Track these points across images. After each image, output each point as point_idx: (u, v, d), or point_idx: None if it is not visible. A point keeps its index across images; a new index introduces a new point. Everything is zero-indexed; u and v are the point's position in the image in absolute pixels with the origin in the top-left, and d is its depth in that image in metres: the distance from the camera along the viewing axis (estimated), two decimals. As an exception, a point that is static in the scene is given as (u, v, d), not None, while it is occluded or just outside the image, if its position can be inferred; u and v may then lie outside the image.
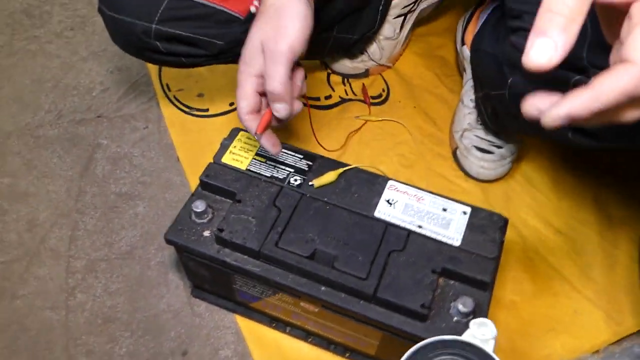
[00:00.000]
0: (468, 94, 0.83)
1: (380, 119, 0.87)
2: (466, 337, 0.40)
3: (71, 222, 0.77)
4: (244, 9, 0.65)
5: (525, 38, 0.27)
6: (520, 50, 0.28)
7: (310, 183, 0.58)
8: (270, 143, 0.55)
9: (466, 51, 0.85)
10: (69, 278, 0.72)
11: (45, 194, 0.80)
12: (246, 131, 0.63)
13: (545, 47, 0.27)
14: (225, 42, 0.67)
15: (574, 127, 0.49)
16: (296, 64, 0.53)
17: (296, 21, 0.50)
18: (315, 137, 0.78)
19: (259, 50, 0.51)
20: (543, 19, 0.27)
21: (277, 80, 0.50)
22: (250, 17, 0.63)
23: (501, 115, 0.70)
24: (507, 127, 0.75)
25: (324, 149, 0.80)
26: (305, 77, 0.56)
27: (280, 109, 0.52)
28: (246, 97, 0.53)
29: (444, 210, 0.56)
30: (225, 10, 0.65)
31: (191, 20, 0.64)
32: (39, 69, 0.97)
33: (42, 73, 0.97)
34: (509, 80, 0.57)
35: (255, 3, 0.56)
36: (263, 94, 0.54)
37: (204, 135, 0.84)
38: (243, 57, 0.53)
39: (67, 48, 1.01)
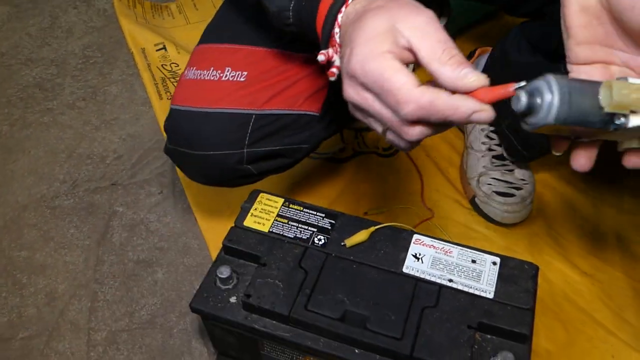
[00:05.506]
0: (478, 138, 0.84)
1: (385, 214, 0.80)
2: None
3: (90, 293, 0.76)
4: (317, 107, 0.67)
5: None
6: None
7: (342, 243, 0.57)
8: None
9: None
10: (90, 351, 0.70)
11: (63, 265, 0.79)
12: (266, 192, 0.63)
13: None
14: (310, 144, 0.69)
15: None
16: None
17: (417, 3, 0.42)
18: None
19: (385, 30, 0.40)
20: None
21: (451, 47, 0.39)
22: (322, 115, 0.64)
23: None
24: (540, 147, 0.75)
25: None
26: None
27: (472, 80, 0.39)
28: (400, 70, 0.39)
29: (473, 261, 0.55)
30: (305, 112, 0.66)
31: (278, 132, 0.65)
32: (53, 140, 0.99)
33: (56, 144, 0.98)
34: None
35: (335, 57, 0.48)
36: None
37: (221, 197, 0.84)
38: (361, 55, 0.41)
39: (79, 118, 1.03)
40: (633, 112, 0.35)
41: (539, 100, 0.35)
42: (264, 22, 0.57)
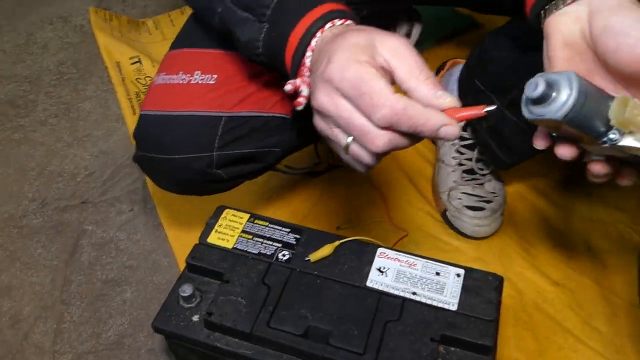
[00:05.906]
0: (449, 152, 0.84)
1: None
2: None
3: (56, 314, 0.74)
4: (288, 109, 0.67)
5: None
6: None
7: (306, 258, 0.57)
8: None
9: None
10: (54, 375, 0.68)
11: (29, 286, 0.78)
12: (232, 208, 0.62)
13: None
14: (282, 148, 0.68)
15: None
16: None
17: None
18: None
19: (365, 45, 0.42)
20: None
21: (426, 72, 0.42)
22: (295, 113, 0.64)
23: (521, 134, 0.69)
24: (521, 152, 0.75)
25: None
26: None
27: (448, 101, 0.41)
28: (379, 77, 0.41)
29: (437, 274, 0.55)
30: (275, 115, 0.66)
31: (248, 135, 0.65)
32: (23, 157, 0.98)
33: (26, 161, 0.97)
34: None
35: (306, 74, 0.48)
36: None
37: (193, 212, 0.83)
38: (341, 70, 0.41)
39: (51, 135, 1.02)
40: (631, 132, 0.36)
41: (554, 94, 0.35)
42: None
